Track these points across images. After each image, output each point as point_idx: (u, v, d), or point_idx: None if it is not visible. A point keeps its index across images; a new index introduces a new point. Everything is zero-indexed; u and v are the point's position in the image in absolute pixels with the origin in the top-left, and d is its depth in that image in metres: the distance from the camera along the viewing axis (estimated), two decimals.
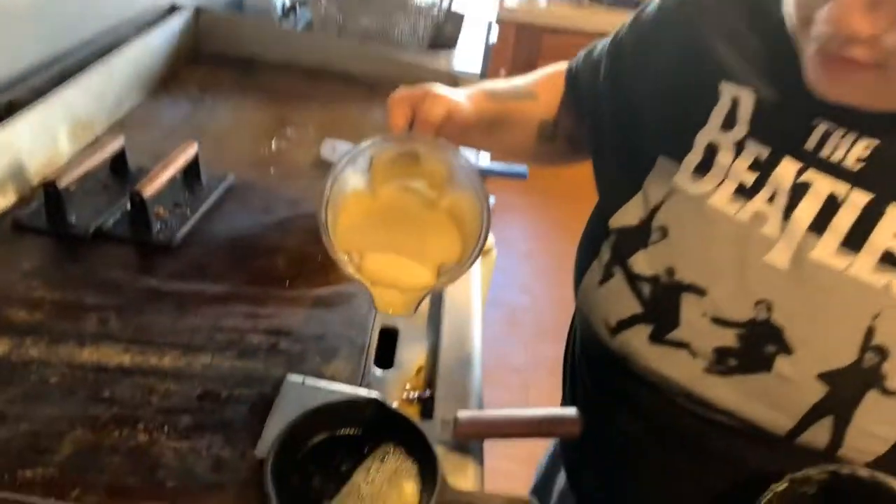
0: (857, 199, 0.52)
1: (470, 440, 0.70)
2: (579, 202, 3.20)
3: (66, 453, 0.65)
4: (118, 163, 1.08)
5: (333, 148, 1.20)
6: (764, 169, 0.55)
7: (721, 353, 0.56)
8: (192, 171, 1.08)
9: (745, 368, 0.55)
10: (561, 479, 0.83)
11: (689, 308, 0.57)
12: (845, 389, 0.52)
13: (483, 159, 1.31)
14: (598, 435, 0.67)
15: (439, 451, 0.66)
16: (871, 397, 0.52)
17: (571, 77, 0.77)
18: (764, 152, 0.55)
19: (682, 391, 0.59)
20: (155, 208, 0.99)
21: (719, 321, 0.56)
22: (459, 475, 0.67)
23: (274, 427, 0.68)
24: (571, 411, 0.68)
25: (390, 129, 0.65)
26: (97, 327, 0.80)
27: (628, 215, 0.62)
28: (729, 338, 0.56)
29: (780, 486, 0.52)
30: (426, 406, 0.76)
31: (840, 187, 0.52)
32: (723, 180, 0.56)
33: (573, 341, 0.79)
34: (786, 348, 0.53)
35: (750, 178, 0.55)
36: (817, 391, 0.52)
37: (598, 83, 0.70)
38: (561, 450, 0.82)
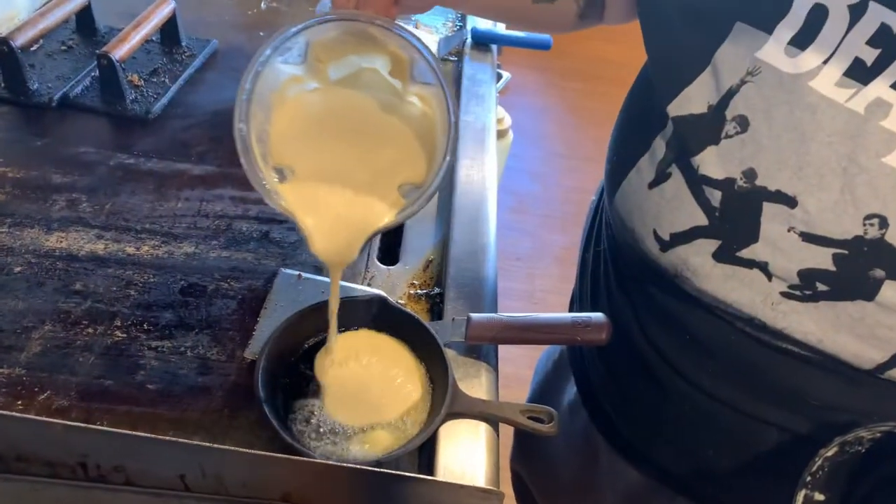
0: None
1: (483, 344, 0.63)
2: (601, 82, 3.01)
3: (33, 351, 0.58)
4: (84, 21, 0.94)
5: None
6: (891, 43, 0.41)
7: (809, 277, 0.47)
8: (169, 34, 0.95)
9: (837, 295, 0.46)
10: (569, 390, 0.77)
11: (773, 221, 0.47)
12: None
13: (500, 25, 1.17)
14: (625, 349, 0.60)
15: (449, 354, 0.60)
16: None
17: None
18: (894, 20, 0.41)
19: (747, 317, 0.50)
20: (128, 75, 0.88)
21: (812, 238, 0.45)
22: (472, 382, 0.60)
23: (266, 326, 0.61)
24: (599, 317, 0.60)
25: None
26: (66, 210, 0.71)
27: (693, 100, 0.49)
28: (822, 258, 0.46)
29: (830, 451, 0.45)
30: (435, 304, 0.69)
31: None
32: (830, 56, 0.43)
33: (594, 241, 0.70)
34: None
35: (870, 55, 0.42)
36: None
37: None
38: (573, 359, 0.74)
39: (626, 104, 0.63)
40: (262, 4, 1.11)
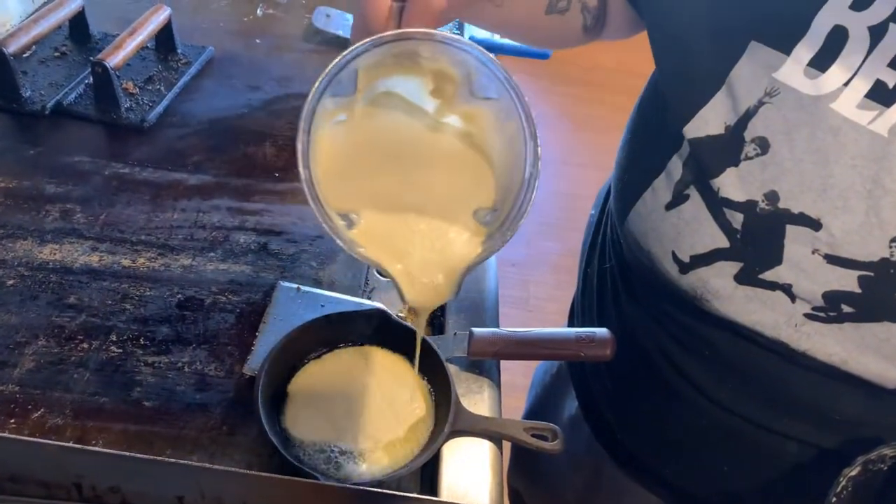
0: None
1: (485, 359, 0.62)
2: (594, 88, 2.98)
3: (27, 368, 0.57)
4: (77, 27, 0.93)
5: (327, 16, 1.04)
6: None
7: (834, 299, 0.46)
8: (164, 41, 0.94)
9: (863, 316, 0.46)
10: (570, 404, 0.75)
11: (796, 243, 0.46)
12: None
13: (495, 36, 1.16)
14: (636, 364, 0.59)
15: (451, 369, 0.59)
16: None
17: None
18: None
19: (769, 338, 0.50)
20: (123, 83, 0.87)
21: (837, 260, 0.45)
22: (475, 398, 0.60)
23: (265, 341, 0.60)
24: (603, 332, 0.60)
25: (366, 19, 0.44)
26: (60, 221, 0.70)
27: (709, 121, 0.48)
28: (848, 281, 0.45)
29: (853, 471, 0.45)
30: (435, 318, 0.68)
31: None
32: (851, 78, 0.43)
33: (599, 258, 0.69)
34: None
35: (891, 77, 0.42)
36: None
37: None
38: (573, 372, 0.74)
39: (634, 122, 0.62)
40: (258, 10, 1.10)
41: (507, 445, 0.58)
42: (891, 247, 0.44)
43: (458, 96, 0.46)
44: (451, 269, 0.45)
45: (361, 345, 0.61)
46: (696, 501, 0.62)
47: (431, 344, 0.60)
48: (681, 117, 0.50)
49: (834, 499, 0.45)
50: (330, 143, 0.45)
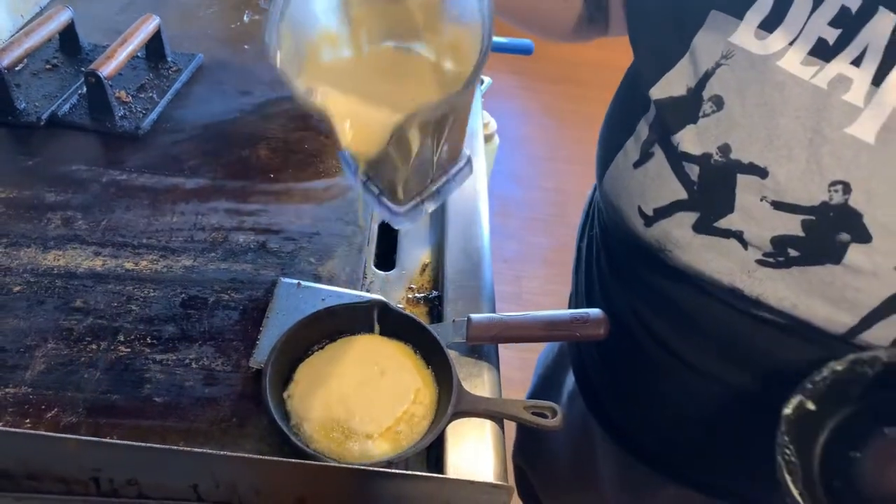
0: None
1: (484, 344, 0.64)
2: (578, 84, 3.01)
3: (38, 370, 0.58)
4: (68, 39, 0.94)
5: None
6: (851, 24, 0.45)
7: (780, 243, 0.49)
8: (155, 50, 0.96)
9: (807, 260, 0.49)
10: (569, 380, 0.78)
11: (746, 192, 0.50)
12: None
13: None
14: (619, 336, 0.62)
15: (451, 355, 0.61)
16: None
17: None
18: (853, 2, 0.45)
19: (726, 286, 0.53)
20: (116, 91, 0.88)
21: (782, 205, 0.48)
22: (475, 381, 0.62)
23: (269, 335, 0.62)
24: (596, 312, 0.62)
25: None
26: (62, 228, 0.71)
27: (673, 84, 0.52)
28: (792, 225, 0.49)
29: (839, 365, 0.47)
30: (434, 307, 0.70)
31: None
32: (796, 37, 0.47)
33: (588, 227, 0.72)
34: (862, 236, 0.46)
35: (832, 35, 0.46)
36: (894, 284, 0.47)
37: None
38: (570, 348, 0.77)
39: (614, 97, 0.65)
40: (245, 17, 1.12)
41: (512, 427, 0.60)
42: (829, 191, 0.47)
43: (443, 18, 0.48)
44: (380, 130, 0.46)
45: (363, 334, 0.63)
46: (679, 471, 0.65)
47: (431, 331, 0.62)
48: (649, 82, 0.54)
49: (809, 385, 0.46)
50: (330, 70, 0.48)
